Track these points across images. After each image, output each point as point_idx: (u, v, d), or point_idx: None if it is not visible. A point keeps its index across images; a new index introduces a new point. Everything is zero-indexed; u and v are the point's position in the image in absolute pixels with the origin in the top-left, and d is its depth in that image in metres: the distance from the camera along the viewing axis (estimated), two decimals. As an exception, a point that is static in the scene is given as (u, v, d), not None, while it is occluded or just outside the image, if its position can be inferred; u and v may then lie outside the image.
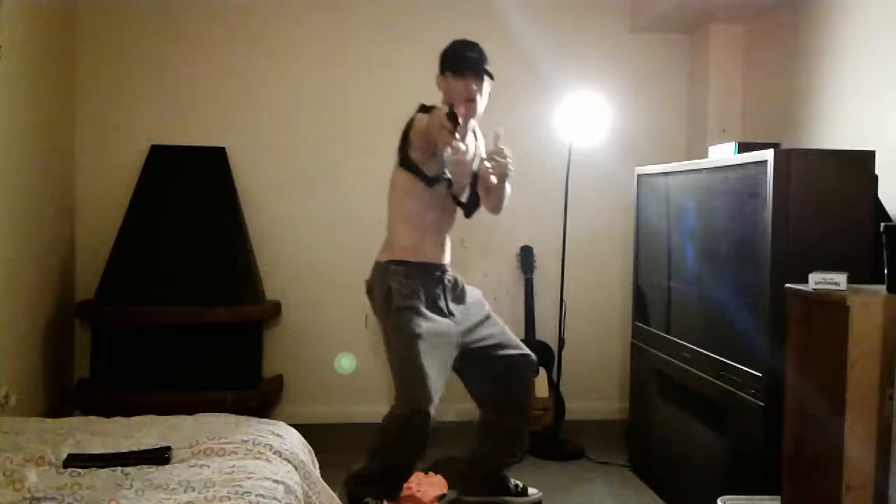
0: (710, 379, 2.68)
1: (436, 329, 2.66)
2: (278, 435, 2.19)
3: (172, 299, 3.62)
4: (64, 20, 3.83)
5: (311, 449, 2.35)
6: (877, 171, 2.39)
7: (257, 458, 1.99)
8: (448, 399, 2.78)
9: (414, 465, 2.76)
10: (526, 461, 3.19)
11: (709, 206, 2.81)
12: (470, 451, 3.00)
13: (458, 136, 2.33)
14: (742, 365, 2.48)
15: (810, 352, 2.01)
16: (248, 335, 3.80)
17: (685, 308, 3.01)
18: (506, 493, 3.00)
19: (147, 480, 1.81)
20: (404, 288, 2.66)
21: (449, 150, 2.37)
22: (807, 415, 2.02)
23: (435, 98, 4.31)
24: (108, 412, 2.42)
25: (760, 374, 2.37)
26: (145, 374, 3.64)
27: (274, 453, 2.04)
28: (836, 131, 3.13)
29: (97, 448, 2.01)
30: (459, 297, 2.82)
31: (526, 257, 4.05)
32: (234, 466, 1.92)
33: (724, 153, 2.74)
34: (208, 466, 1.92)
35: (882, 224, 1.93)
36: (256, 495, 1.76)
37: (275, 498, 1.78)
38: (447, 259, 2.83)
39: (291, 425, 2.36)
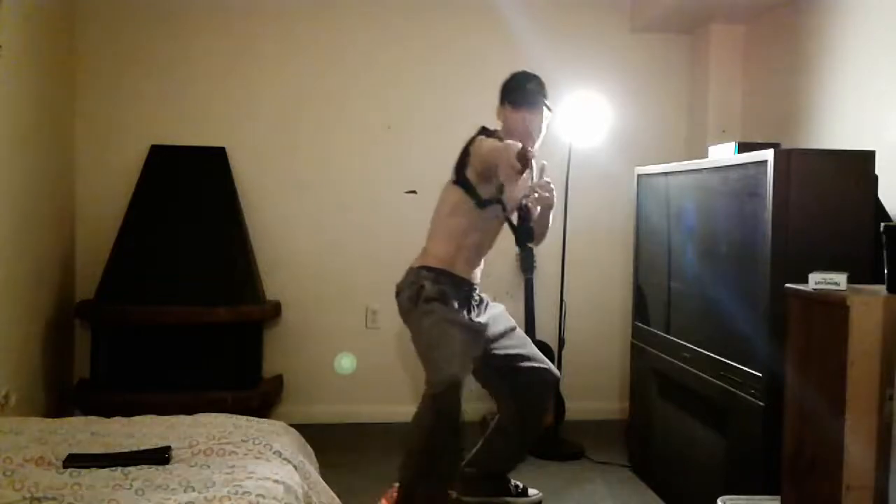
0: (710, 379, 2.68)
1: (462, 320, 2.70)
2: (278, 435, 2.19)
3: (172, 299, 3.62)
4: (64, 20, 3.83)
5: (311, 449, 2.35)
6: (877, 171, 2.39)
7: (257, 458, 1.99)
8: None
9: (458, 444, 2.68)
10: (526, 461, 3.19)
11: (709, 206, 2.81)
12: (473, 451, 3.00)
13: (523, 177, 2.36)
14: (742, 365, 2.48)
15: (810, 352, 2.01)
16: (248, 335, 3.81)
17: (685, 308, 3.01)
18: (506, 494, 3.01)
19: (147, 480, 1.81)
20: (434, 286, 2.69)
21: (510, 189, 2.43)
22: (807, 415, 2.02)
23: (436, 99, 4.32)
24: (108, 412, 2.42)
25: (760, 374, 2.37)
26: (145, 374, 3.64)
27: (274, 453, 2.04)
28: (836, 131, 3.13)
29: (97, 448, 2.01)
30: (484, 311, 2.87)
31: (526, 257, 4.05)
32: (234, 466, 1.92)
33: (724, 153, 2.75)
34: (208, 466, 1.92)
35: (882, 224, 1.93)
36: (256, 495, 1.76)
37: (275, 498, 1.78)
38: (478, 279, 2.86)
39: (291, 425, 2.36)
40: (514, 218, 2.82)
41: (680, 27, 4.17)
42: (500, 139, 2.67)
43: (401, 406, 4.07)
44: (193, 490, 1.77)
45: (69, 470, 1.86)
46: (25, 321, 3.41)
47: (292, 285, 4.09)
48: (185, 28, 4.01)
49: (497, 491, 3.00)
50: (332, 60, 4.10)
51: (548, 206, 2.75)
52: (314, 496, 2.07)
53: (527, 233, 2.85)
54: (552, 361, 3.83)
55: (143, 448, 2.01)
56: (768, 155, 2.35)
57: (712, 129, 4.01)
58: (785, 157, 2.33)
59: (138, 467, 1.89)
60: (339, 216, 4.12)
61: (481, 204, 2.72)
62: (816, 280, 1.96)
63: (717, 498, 2.29)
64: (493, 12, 4.05)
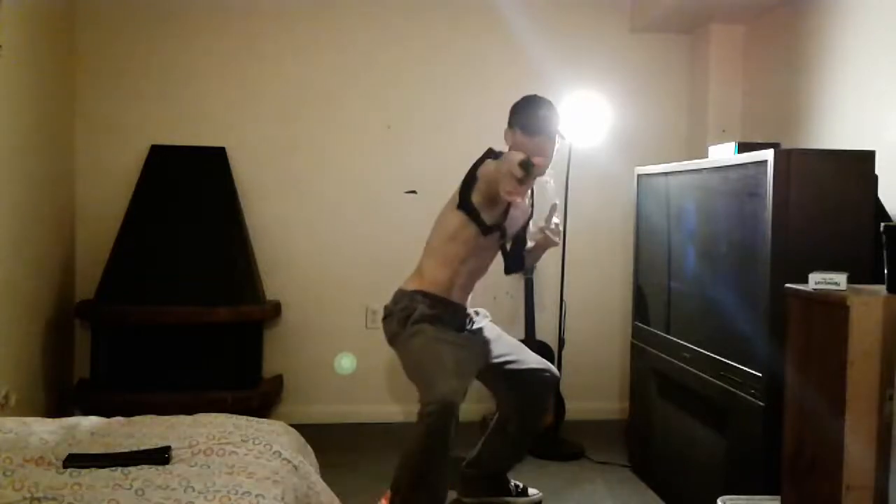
0: (710, 379, 2.68)
1: (454, 338, 2.66)
2: (278, 435, 2.19)
3: (172, 299, 3.62)
4: (64, 20, 3.83)
5: (311, 449, 2.35)
6: (877, 171, 2.39)
7: (257, 458, 1.99)
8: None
9: (446, 469, 2.57)
10: (526, 461, 3.19)
11: (709, 206, 2.81)
12: (473, 452, 3.00)
13: (524, 186, 2.31)
14: (742, 365, 2.48)
15: (810, 352, 2.01)
16: (248, 335, 3.81)
17: (685, 308, 3.01)
18: (506, 494, 3.01)
19: (147, 480, 1.81)
20: (429, 310, 2.65)
21: (511, 198, 2.36)
22: (807, 415, 2.02)
23: (436, 99, 4.32)
24: (108, 412, 2.41)
25: (760, 374, 2.37)
26: (145, 374, 3.64)
27: (274, 453, 2.04)
28: (836, 131, 3.13)
29: (97, 448, 2.01)
30: (475, 324, 2.85)
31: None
32: (234, 466, 1.91)
33: (724, 153, 2.74)
34: (208, 466, 1.92)
35: (882, 224, 1.93)
36: (256, 495, 1.76)
37: (275, 498, 1.78)
38: (468, 303, 2.83)
39: (291, 425, 2.36)
40: (509, 245, 2.81)
41: (680, 27, 4.17)
42: None
43: (401, 406, 4.09)
44: (193, 490, 1.77)
45: (69, 470, 1.86)
46: (25, 321, 3.41)
47: (292, 285, 4.09)
48: (185, 28, 4.02)
49: (497, 491, 3.00)
50: (332, 60, 4.10)
51: (548, 247, 2.77)
52: (314, 496, 2.06)
53: (517, 263, 2.85)
54: (552, 361, 3.84)
55: (143, 448, 2.01)
56: (768, 155, 2.35)
57: (712, 129, 4.01)
58: (785, 157, 2.33)
59: (138, 467, 1.89)
60: (340, 216, 4.13)
61: (486, 230, 2.66)
62: (816, 280, 1.96)
63: (717, 498, 2.29)
64: (494, 12, 4.05)
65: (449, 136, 4.12)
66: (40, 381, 3.56)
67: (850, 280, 1.95)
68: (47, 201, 3.64)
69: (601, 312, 4.24)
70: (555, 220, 2.76)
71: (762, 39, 3.86)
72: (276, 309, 3.97)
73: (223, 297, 3.67)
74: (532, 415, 2.94)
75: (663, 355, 3.09)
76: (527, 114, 2.66)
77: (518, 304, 3.94)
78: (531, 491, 3.06)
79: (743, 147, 2.65)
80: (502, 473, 3.02)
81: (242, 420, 2.26)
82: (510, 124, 2.70)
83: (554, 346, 3.88)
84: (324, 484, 2.18)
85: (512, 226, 2.77)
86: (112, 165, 3.97)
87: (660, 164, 3.25)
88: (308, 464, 2.16)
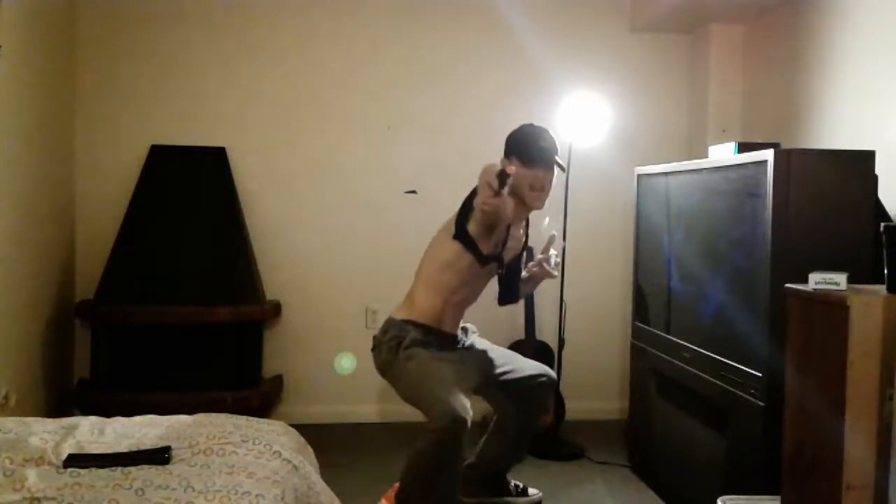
0: (710, 379, 2.68)
1: (450, 356, 2.64)
2: (278, 435, 2.19)
3: (172, 299, 3.62)
4: (64, 20, 3.83)
5: (311, 449, 2.35)
6: (877, 171, 2.39)
7: (257, 458, 1.99)
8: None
9: (457, 484, 2.56)
10: (526, 461, 3.19)
11: (709, 206, 2.81)
12: (473, 452, 3.00)
13: (500, 195, 2.28)
14: (742, 365, 2.48)
15: (810, 352, 2.01)
16: (249, 335, 3.81)
17: (685, 308, 3.01)
18: (506, 494, 3.01)
19: (147, 480, 1.81)
20: (417, 336, 2.61)
21: (484, 207, 2.33)
22: (807, 415, 2.02)
23: (436, 99, 4.32)
24: (108, 412, 2.41)
25: (760, 374, 2.37)
26: (145, 374, 3.64)
27: (274, 453, 2.04)
28: (836, 131, 3.13)
29: (97, 448, 2.01)
30: (466, 341, 2.84)
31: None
32: (234, 466, 1.91)
33: (724, 153, 2.74)
34: (208, 466, 1.92)
35: (882, 224, 1.93)
36: (256, 495, 1.76)
37: (275, 498, 1.78)
38: (459, 330, 2.81)
39: (291, 425, 2.36)
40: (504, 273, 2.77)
41: (680, 27, 4.17)
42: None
43: (401, 406, 4.05)
44: (193, 490, 1.77)
45: (69, 470, 1.86)
46: (25, 321, 3.41)
47: (292, 285, 4.09)
48: (185, 28, 4.01)
49: (497, 491, 3.00)
50: (333, 60, 4.10)
51: (541, 280, 2.77)
52: (314, 496, 2.06)
53: (512, 294, 2.82)
54: (552, 361, 3.85)
55: (143, 448, 2.01)
56: (768, 155, 2.35)
57: (712, 129, 4.01)
58: (785, 157, 2.33)
59: (138, 467, 1.89)
60: (339, 216, 4.13)
61: (483, 261, 2.62)
62: (816, 280, 1.96)
63: (717, 498, 2.29)
64: (494, 12, 4.05)
65: (449, 136, 4.12)
66: (40, 381, 3.56)
67: (850, 280, 1.95)
68: (47, 201, 3.64)
69: (601, 312, 4.24)
70: (552, 252, 2.73)
71: (762, 39, 3.86)
72: (276, 309, 3.97)
73: (223, 297, 3.67)
74: (531, 415, 2.94)
75: (663, 355, 3.09)
76: (525, 144, 2.61)
77: (518, 304, 3.93)
78: (531, 491, 3.06)
79: (743, 147, 2.65)
80: (502, 473, 3.02)
81: (242, 420, 2.26)
82: (506, 153, 2.64)
83: (554, 346, 3.89)
84: (324, 484, 2.18)
85: (508, 255, 2.72)
86: (112, 165, 3.97)
87: (660, 164, 3.25)
88: (308, 464, 2.16)
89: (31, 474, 1.82)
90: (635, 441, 3.44)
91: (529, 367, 2.88)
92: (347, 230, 4.12)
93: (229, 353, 3.72)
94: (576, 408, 3.93)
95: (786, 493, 2.13)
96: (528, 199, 2.62)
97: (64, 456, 1.93)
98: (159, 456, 1.95)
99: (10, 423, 2.18)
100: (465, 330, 2.86)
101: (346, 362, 4.08)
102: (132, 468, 1.88)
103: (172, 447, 2.01)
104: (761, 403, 2.36)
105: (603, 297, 4.24)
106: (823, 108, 3.23)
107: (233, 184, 3.95)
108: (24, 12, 3.31)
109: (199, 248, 3.75)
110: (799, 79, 3.42)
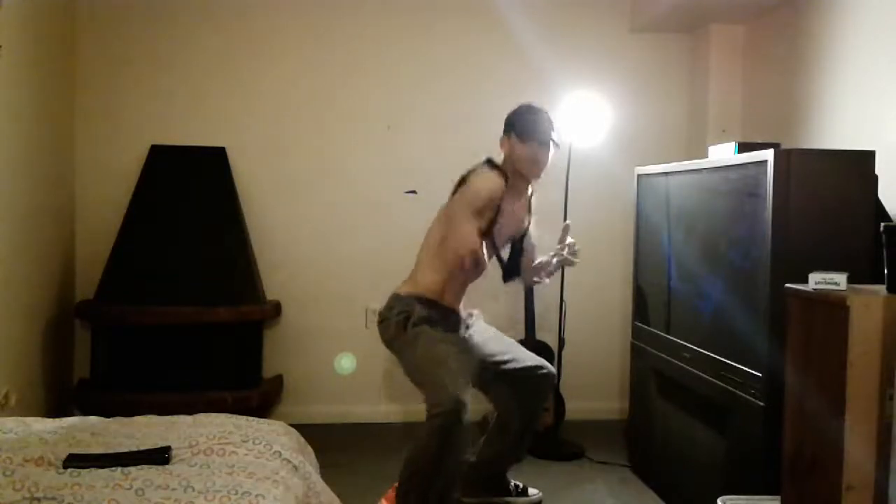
0: (710, 379, 2.68)
1: (455, 339, 2.69)
2: (278, 435, 2.19)
3: (172, 299, 3.62)
4: (64, 20, 3.84)
5: (311, 449, 2.35)
6: (877, 171, 2.39)
7: (257, 458, 1.99)
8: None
9: (458, 468, 2.60)
10: (526, 461, 3.19)
11: (709, 206, 2.81)
12: (473, 452, 3.00)
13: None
14: (742, 365, 2.48)
15: (810, 352, 2.01)
16: (248, 335, 3.81)
17: (685, 308, 3.01)
18: (506, 494, 3.01)
19: (147, 480, 1.81)
20: (424, 311, 2.67)
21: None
22: (807, 415, 2.02)
23: (436, 99, 4.32)
24: (108, 412, 2.42)
25: (760, 374, 2.37)
26: (145, 374, 3.64)
27: (274, 453, 2.04)
28: (836, 131, 3.13)
29: (97, 448, 2.01)
30: (470, 326, 2.88)
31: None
32: (234, 466, 1.92)
33: (724, 153, 2.75)
34: (208, 466, 1.92)
35: (882, 224, 1.93)
36: (256, 495, 1.76)
37: (275, 498, 1.78)
38: (462, 307, 2.86)
39: (291, 425, 2.36)
40: (505, 253, 2.84)
41: (680, 27, 4.17)
42: (504, 172, 2.69)
43: (401, 406, 4.09)
44: (193, 490, 1.77)
45: (69, 470, 1.86)
46: (25, 321, 3.41)
47: (292, 285, 4.09)
48: (185, 28, 4.02)
49: (497, 491, 3.00)
50: (332, 60, 4.11)
51: (560, 268, 2.84)
52: (314, 496, 2.06)
53: (513, 270, 2.88)
54: (552, 361, 3.84)
55: (143, 448, 2.01)
56: (768, 155, 2.35)
57: (712, 129, 4.01)
58: (785, 157, 2.33)
59: (138, 467, 1.89)
60: (339, 216, 4.13)
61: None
62: (816, 280, 1.96)
63: (717, 498, 2.29)
64: (493, 12, 4.05)
65: (449, 136, 4.11)
66: (40, 381, 3.56)
67: (850, 280, 1.95)
68: (47, 201, 3.64)
69: (601, 312, 4.24)
70: (569, 239, 2.80)
71: (762, 39, 3.86)
72: (276, 309, 3.97)
73: (223, 297, 3.67)
74: (531, 413, 2.94)
75: (663, 355, 3.09)
76: (521, 121, 2.74)
77: (518, 304, 3.94)
78: (531, 491, 3.06)
79: (743, 147, 2.65)
80: (502, 473, 3.02)
81: (242, 420, 2.26)
82: (505, 131, 2.77)
83: (554, 346, 3.88)
84: (324, 484, 2.18)
85: (502, 233, 2.78)
86: (112, 165, 3.97)
87: (660, 164, 3.25)
88: (308, 464, 2.16)
89: (31, 474, 1.82)
90: (635, 441, 3.44)
91: (529, 358, 2.91)
92: (347, 230, 4.12)
93: (229, 353, 3.72)
94: (576, 408, 3.93)
95: (786, 493, 2.13)
96: (524, 171, 2.75)
97: (64, 456, 1.92)
98: (159, 456, 1.95)
99: (10, 423, 2.18)
100: (470, 314, 2.90)
101: (346, 362, 4.08)
102: (132, 468, 1.88)
103: (172, 447, 2.01)
104: (761, 403, 2.36)
105: (603, 297, 4.24)
106: (823, 108, 3.23)
107: (233, 184, 3.95)
108: (24, 12, 3.31)
109: (198, 248, 3.75)
110: (799, 79, 3.42)
